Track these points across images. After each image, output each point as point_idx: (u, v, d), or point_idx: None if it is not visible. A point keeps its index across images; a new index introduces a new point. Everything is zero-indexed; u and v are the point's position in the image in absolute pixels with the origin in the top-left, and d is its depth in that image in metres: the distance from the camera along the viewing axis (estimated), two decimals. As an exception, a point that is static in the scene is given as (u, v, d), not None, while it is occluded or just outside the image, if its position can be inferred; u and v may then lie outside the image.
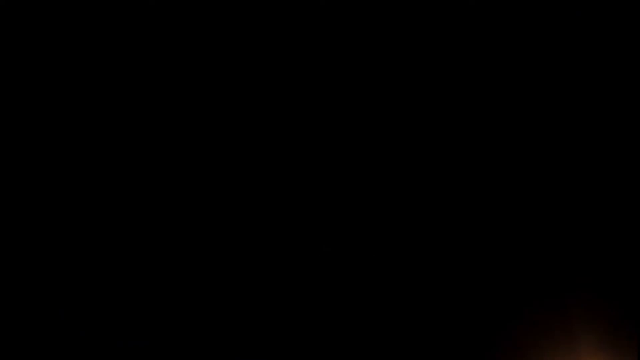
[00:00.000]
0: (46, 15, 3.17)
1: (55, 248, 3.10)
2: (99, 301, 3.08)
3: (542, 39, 3.17)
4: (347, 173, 3.18)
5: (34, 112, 3.17)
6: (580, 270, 3.08)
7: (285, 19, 3.20)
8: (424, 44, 3.20)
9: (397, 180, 3.17)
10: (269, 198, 3.16)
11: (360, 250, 3.13)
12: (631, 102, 3.14)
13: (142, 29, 3.19)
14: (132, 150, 3.17)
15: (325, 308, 3.11)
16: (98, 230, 3.12)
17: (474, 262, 3.12)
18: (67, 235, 3.11)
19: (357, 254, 3.13)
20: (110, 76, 3.19)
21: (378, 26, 3.20)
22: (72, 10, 3.17)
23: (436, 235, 3.14)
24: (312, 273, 3.12)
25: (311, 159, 3.18)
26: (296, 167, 3.18)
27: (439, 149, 3.18)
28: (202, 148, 3.18)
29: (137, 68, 3.19)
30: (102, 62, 3.18)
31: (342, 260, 3.13)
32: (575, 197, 3.13)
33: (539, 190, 3.14)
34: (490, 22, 3.18)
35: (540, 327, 3.05)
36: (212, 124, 3.19)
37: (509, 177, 3.15)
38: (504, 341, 3.06)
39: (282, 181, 3.17)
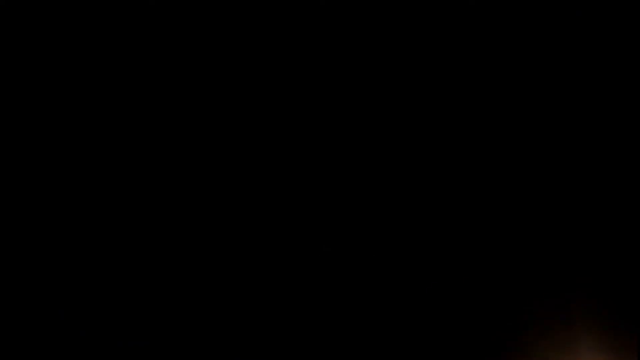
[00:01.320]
0: (46, 15, 3.18)
1: (55, 248, 3.10)
2: (99, 301, 3.08)
3: (542, 39, 3.18)
4: (347, 173, 3.18)
5: (34, 112, 3.17)
6: (580, 270, 3.08)
7: (285, 19, 3.21)
8: (424, 44, 3.20)
9: (397, 180, 3.17)
10: (269, 198, 3.16)
11: (360, 250, 3.14)
12: (631, 102, 3.14)
13: (142, 29, 3.19)
14: (132, 150, 3.17)
15: (325, 308, 3.11)
16: (98, 230, 3.12)
17: (474, 262, 3.12)
18: (67, 235, 3.11)
19: (357, 254, 3.13)
20: (110, 76, 3.19)
21: (378, 26, 3.21)
22: (72, 10, 3.18)
23: (436, 236, 3.14)
24: (312, 273, 3.12)
25: (311, 159, 3.18)
26: (296, 167, 3.18)
27: (439, 148, 3.18)
28: (201, 148, 3.18)
29: (137, 68, 3.19)
30: (102, 62, 3.19)
31: (342, 260, 3.13)
32: (575, 197, 3.13)
33: (539, 190, 3.14)
34: (490, 22, 3.18)
35: (540, 327, 3.06)
36: (212, 123, 3.19)
37: (509, 177, 3.16)
38: (504, 341, 3.06)
39: (282, 181, 3.17)
